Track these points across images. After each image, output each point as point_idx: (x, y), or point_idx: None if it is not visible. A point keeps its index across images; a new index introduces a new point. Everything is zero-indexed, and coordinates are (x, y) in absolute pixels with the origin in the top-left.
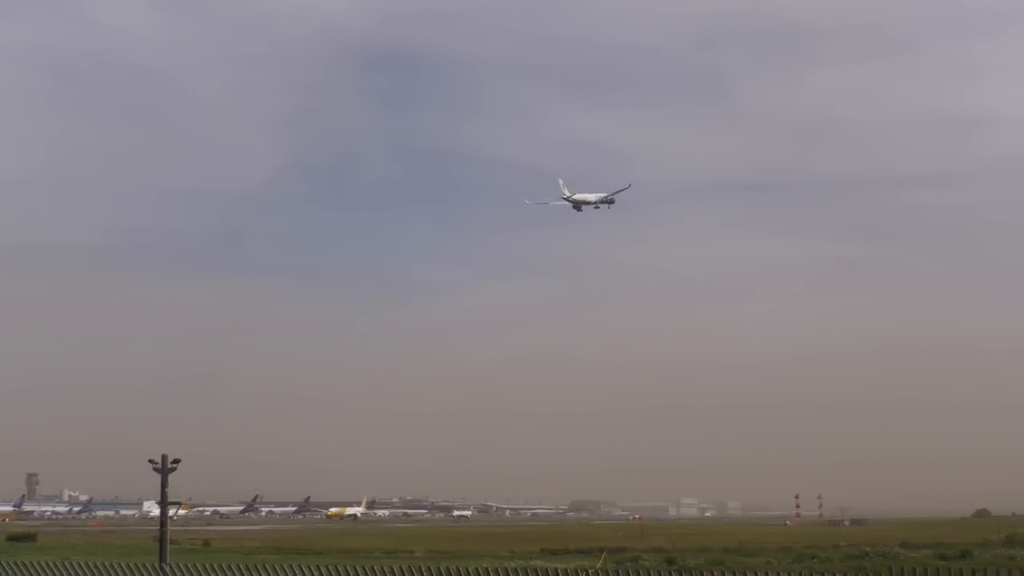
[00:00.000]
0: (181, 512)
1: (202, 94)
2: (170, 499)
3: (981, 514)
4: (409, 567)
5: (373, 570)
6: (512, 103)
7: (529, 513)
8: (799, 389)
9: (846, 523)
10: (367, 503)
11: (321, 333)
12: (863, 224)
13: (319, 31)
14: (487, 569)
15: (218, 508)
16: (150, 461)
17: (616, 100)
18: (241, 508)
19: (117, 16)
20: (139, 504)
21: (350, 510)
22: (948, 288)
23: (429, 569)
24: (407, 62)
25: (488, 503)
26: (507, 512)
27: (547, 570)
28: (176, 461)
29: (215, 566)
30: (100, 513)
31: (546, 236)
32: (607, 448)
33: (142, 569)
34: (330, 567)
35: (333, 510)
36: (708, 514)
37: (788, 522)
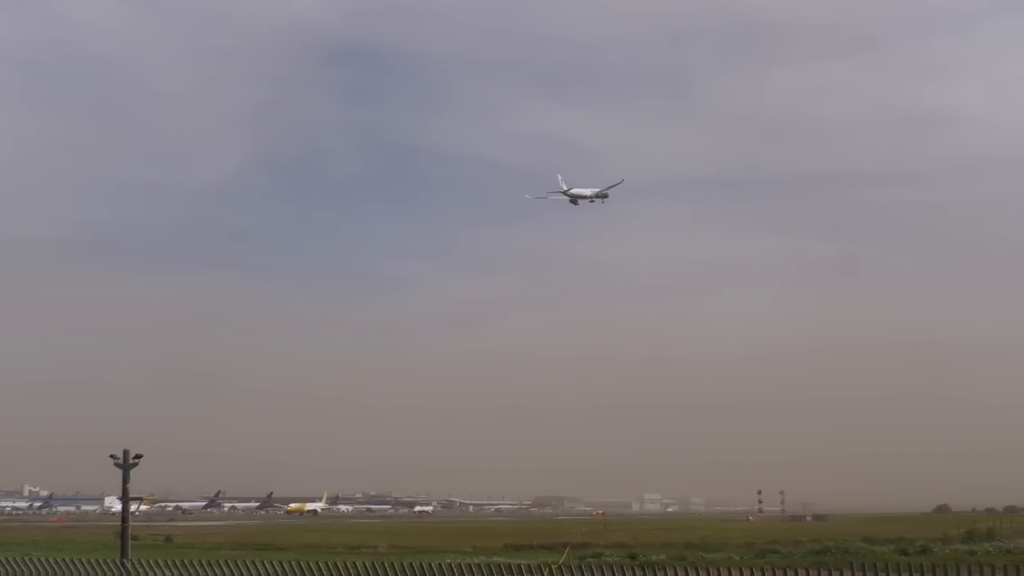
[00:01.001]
0: (143, 508)
1: (167, 88)
2: (132, 495)
3: (941, 510)
4: (372, 563)
5: (336, 565)
6: (479, 99)
7: (493, 509)
8: (762, 386)
9: (808, 519)
10: (327, 499)
11: (286, 327)
12: (828, 221)
13: (285, 25)
14: (451, 565)
15: (180, 504)
16: (111, 456)
17: (582, 96)
18: (203, 504)
19: (81, 10)
20: (100, 499)
21: (310, 506)
22: (910, 285)
23: (392, 565)
24: (373, 57)
25: (452, 499)
26: (471, 508)
27: (510, 566)
28: (138, 456)
29: (177, 562)
30: (61, 508)
31: (514, 232)
32: (571, 444)
33: (104, 565)
34: (292, 563)
35: (293, 506)
36: (670, 510)
37: (750, 517)
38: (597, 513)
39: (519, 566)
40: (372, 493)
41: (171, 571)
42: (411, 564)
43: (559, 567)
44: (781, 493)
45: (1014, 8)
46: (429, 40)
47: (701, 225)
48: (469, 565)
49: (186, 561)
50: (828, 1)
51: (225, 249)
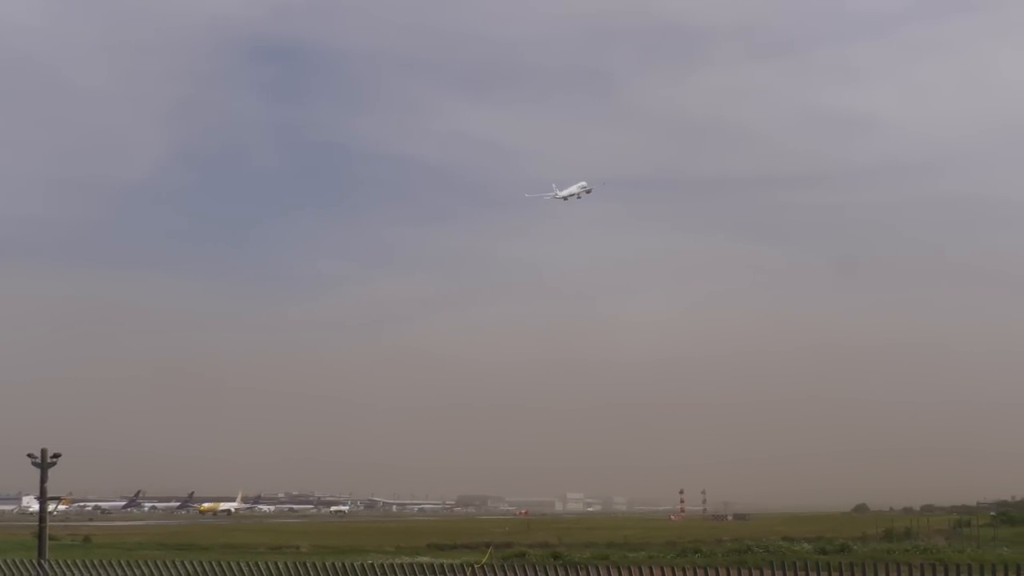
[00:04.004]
0: (61, 507)
1: (86, 83)
2: (50, 494)
3: (860, 509)
4: (295, 563)
5: (258, 565)
6: (403, 97)
7: (416, 508)
8: (684, 387)
9: (729, 518)
10: (242, 498)
11: (207, 324)
12: (745, 223)
13: (206, 20)
14: (373, 564)
15: (99, 503)
16: (29, 455)
17: (504, 95)
18: (123, 504)
19: None
20: (18, 499)
21: (224, 505)
22: (826, 287)
23: (315, 565)
24: (297, 54)
25: (375, 498)
26: (394, 507)
27: (433, 565)
28: (56, 455)
29: (96, 562)
30: None
31: (439, 231)
32: (494, 443)
33: (21, 566)
34: (214, 563)
35: (206, 505)
36: (592, 509)
37: (672, 517)
38: (520, 513)
39: (442, 566)
40: (295, 493)
41: (90, 571)
42: (333, 564)
43: (482, 566)
44: (703, 493)
45: (931, 14)
46: (353, 38)
47: (622, 226)
48: (392, 565)
49: (105, 561)
50: (747, 5)
51: (142, 246)
